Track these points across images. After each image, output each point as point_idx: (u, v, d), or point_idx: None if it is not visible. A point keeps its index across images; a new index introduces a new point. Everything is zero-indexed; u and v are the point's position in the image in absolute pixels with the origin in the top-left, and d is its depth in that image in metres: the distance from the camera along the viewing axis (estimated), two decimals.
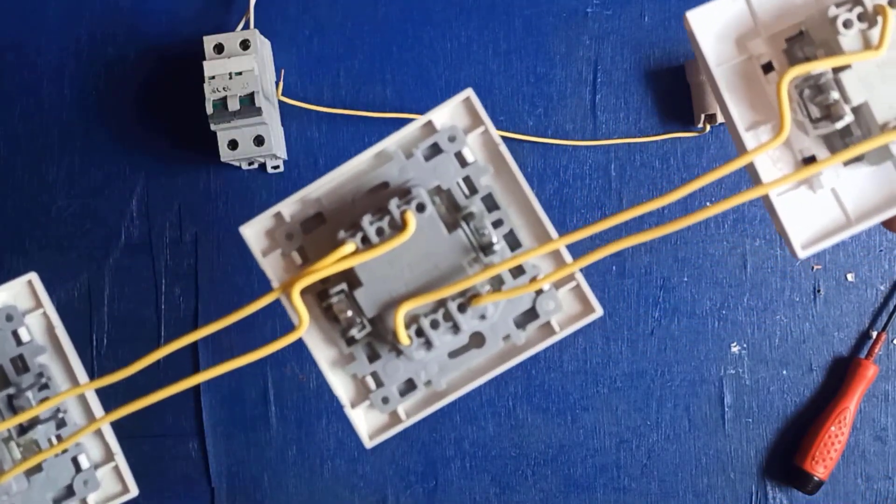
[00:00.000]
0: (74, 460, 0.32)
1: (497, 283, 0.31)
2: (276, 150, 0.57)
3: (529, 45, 0.60)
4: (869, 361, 0.58)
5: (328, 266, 0.29)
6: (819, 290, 0.60)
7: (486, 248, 0.30)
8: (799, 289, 0.60)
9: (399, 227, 0.29)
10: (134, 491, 0.34)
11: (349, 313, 0.30)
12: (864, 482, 0.60)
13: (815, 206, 0.27)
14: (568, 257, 0.31)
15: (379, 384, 0.31)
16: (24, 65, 0.61)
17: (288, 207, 0.32)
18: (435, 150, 0.31)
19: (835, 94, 0.24)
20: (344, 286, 0.30)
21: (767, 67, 0.26)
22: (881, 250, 0.59)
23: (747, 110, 0.26)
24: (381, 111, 0.60)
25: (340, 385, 0.32)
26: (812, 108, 0.25)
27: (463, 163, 0.31)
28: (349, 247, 0.29)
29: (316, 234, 0.31)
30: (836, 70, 0.24)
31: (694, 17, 0.26)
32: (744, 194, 0.25)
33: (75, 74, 0.61)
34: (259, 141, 0.55)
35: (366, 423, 0.32)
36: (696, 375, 0.60)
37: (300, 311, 0.29)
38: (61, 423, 0.32)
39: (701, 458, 0.60)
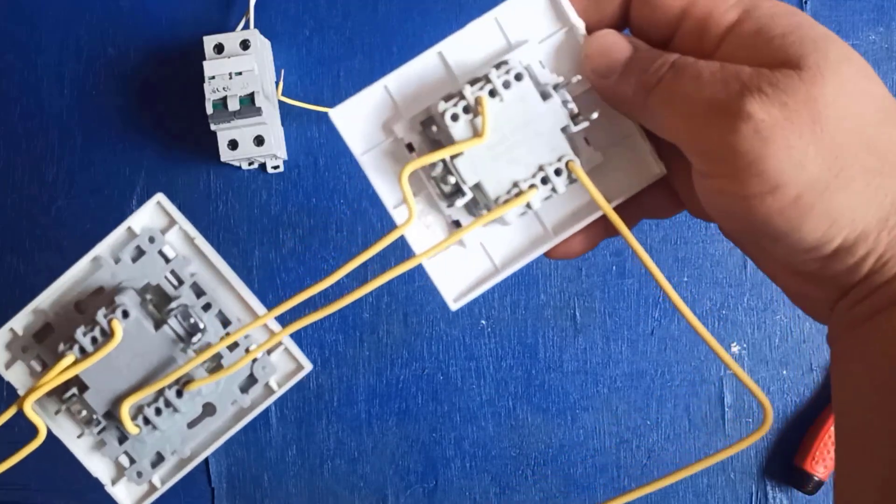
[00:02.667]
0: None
1: (217, 359, 0.36)
2: (276, 150, 0.57)
3: None
4: None
5: (52, 379, 0.33)
6: None
7: (194, 334, 0.35)
8: None
9: (108, 334, 0.33)
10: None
11: (84, 413, 0.35)
12: None
13: (466, 261, 0.30)
14: (276, 327, 0.36)
15: (132, 461, 0.36)
16: (24, 65, 0.61)
17: (20, 322, 0.36)
18: (140, 251, 0.35)
19: (452, 178, 0.28)
20: (75, 390, 0.35)
21: (411, 147, 0.29)
22: None
23: (396, 188, 0.29)
24: None
25: (99, 467, 0.36)
26: (443, 186, 0.29)
27: (167, 259, 0.36)
28: (69, 359, 0.33)
29: (48, 343, 0.36)
30: (453, 157, 0.28)
31: (337, 114, 0.29)
32: (403, 265, 0.29)
33: (75, 74, 0.61)
34: (259, 141, 0.55)
35: (128, 496, 0.36)
36: (696, 375, 0.60)
37: (36, 423, 0.33)
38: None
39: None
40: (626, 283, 0.60)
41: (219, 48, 0.55)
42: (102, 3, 0.61)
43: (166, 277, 0.35)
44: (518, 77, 0.28)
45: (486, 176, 0.28)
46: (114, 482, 0.36)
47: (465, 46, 0.29)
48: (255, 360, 0.36)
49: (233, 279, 0.36)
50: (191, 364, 0.33)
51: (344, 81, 0.60)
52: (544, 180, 0.28)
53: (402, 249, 0.33)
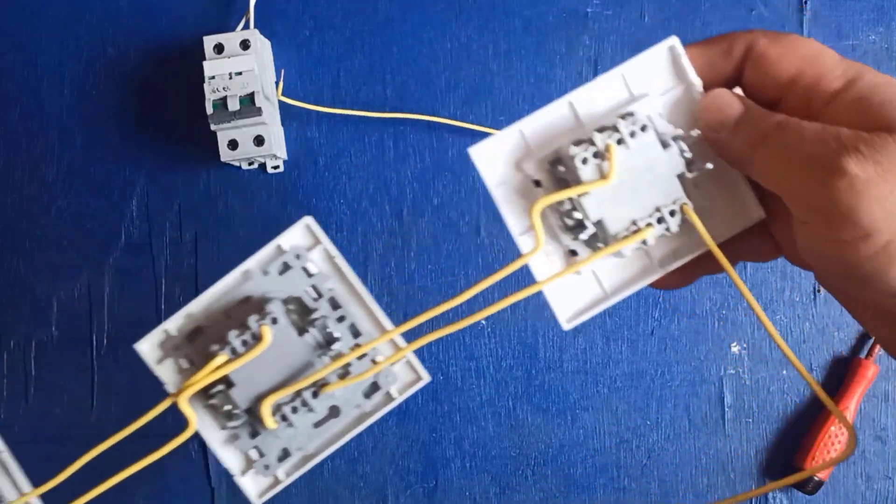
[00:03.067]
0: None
1: (346, 366, 0.39)
2: (276, 150, 0.57)
3: (529, 45, 0.60)
4: (869, 361, 0.58)
5: (206, 376, 0.37)
6: (819, 290, 0.60)
7: (332, 342, 0.38)
8: (799, 289, 0.60)
9: (258, 338, 0.37)
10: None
11: (227, 407, 0.38)
12: (864, 482, 0.60)
13: (579, 287, 0.34)
14: (401, 342, 0.39)
15: (261, 455, 0.39)
16: (24, 65, 0.61)
17: (173, 323, 0.39)
18: (286, 266, 0.39)
19: (578, 214, 0.32)
20: (222, 387, 0.38)
21: (538, 183, 0.33)
22: None
23: (522, 218, 0.33)
24: (381, 111, 0.60)
25: (230, 458, 0.40)
26: (566, 220, 0.32)
27: (309, 274, 0.39)
28: (221, 358, 0.37)
29: (198, 343, 0.39)
30: (580, 195, 0.32)
31: (476, 152, 0.32)
32: (526, 290, 0.32)
33: (75, 74, 0.61)
34: (259, 141, 0.55)
35: (254, 486, 0.40)
36: (696, 375, 0.60)
37: (189, 416, 0.37)
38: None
39: (701, 458, 0.60)
40: None
41: (219, 48, 0.55)
42: (102, 3, 0.61)
43: (307, 290, 0.39)
44: (643, 128, 0.31)
45: (607, 214, 0.32)
46: (242, 473, 0.40)
47: (592, 97, 0.33)
48: None
49: (365, 296, 0.39)
50: (328, 369, 0.36)
51: (344, 81, 0.60)
52: (660, 220, 0.32)
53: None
